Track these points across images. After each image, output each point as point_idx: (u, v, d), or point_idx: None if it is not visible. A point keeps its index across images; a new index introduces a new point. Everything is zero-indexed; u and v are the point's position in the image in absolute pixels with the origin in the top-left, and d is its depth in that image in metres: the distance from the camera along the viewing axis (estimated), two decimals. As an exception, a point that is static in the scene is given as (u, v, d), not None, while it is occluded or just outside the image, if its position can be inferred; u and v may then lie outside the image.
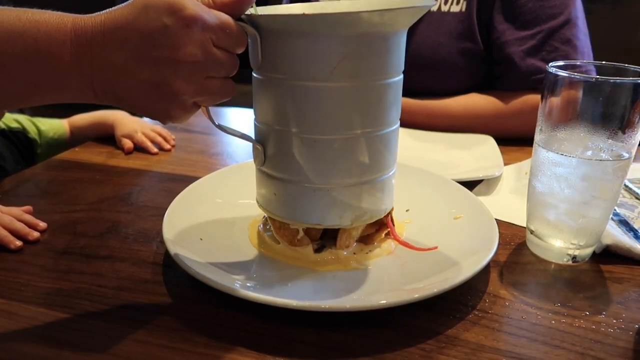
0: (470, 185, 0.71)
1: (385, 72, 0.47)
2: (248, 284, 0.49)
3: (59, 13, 0.41)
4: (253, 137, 0.53)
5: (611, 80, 0.48)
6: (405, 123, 0.95)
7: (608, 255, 0.56)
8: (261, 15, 0.45)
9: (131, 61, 0.40)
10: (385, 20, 0.44)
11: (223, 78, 0.44)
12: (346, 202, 0.50)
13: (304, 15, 0.44)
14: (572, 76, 0.50)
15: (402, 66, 0.49)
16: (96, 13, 0.41)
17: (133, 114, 1.02)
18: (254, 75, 0.49)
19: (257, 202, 0.55)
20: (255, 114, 0.51)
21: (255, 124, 0.52)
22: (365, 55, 0.45)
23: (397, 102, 0.50)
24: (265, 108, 0.49)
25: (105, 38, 0.40)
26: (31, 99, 0.43)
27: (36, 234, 0.60)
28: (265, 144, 0.51)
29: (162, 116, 0.44)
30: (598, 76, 0.49)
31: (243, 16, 0.44)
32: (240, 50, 0.44)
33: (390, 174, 0.52)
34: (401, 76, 0.50)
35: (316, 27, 0.43)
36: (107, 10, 0.41)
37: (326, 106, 0.46)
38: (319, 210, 0.50)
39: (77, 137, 1.03)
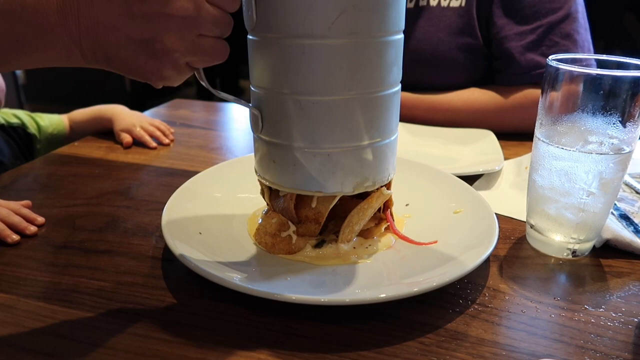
0: (470, 179, 0.71)
1: (385, 29, 0.45)
2: (247, 278, 0.48)
3: None
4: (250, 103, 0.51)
5: (611, 74, 0.48)
6: (405, 117, 0.94)
7: (608, 249, 0.56)
8: None
9: (120, 17, 0.39)
10: None
11: (216, 38, 0.42)
12: (347, 167, 0.48)
13: None
14: (573, 70, 0.50)
15: (402, 25, 0.48)
16: None
17: (128, 108, 1.02)
18: (249, 37, 0.48)
19: (256, 172, 0.54)
20: (251, 78, 0.50)
21: (251, 89, 0.50)
22: (364, 9, 0.43)
23: (398, 62, 0.49)
24: (262, 71, 0.48)
25: None
26: (16, 59, 0.41)
27: (33, 229, 0.60)
28: (263, 109, 0.49)
29: (154, 77, 0.42)
30: (598, 70, 0.49)
31: None
32: (233, 8, 0.42)
33: (393, 138, 0.51)
34: (402, 36, 0.48)
35: None
36: None
37: (324, 65, 0.44)
38: (320, 176, 0.48)
39: (77, 132, 1.02)
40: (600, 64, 0.54)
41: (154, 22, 0.39)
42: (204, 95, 3.92)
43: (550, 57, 0.53)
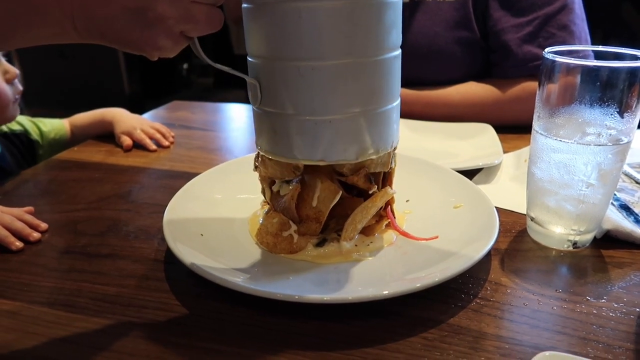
0: (469, 174, 0.71)
1: None
2: (250, 279, 0.49)
3: None
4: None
5: (608, 65, 0.48)
6: (404, 113, 0.94)
7: (609, 240, 0.56)
8: None
9: None
10: None
11: (210, 5, 0.42)
12: (350, 134, 0.48)
13: None
14: (569, 62, 0.50)
15: None
16: None
17: (127, 110, 1.02)
18: (244, 6, 0.47)
19: (257, 146, 0.53)
20: (248, 48, 0.49)
21: (249, 60, 0.49)
22: None
23: (397, 25, 0.48)
24: (258, 39, 0.47)
25: None
26: (11, 37, 0.41)
27: (37, 235, 0.61)
28: (261, 79, 0.48)
29: (149, 47, 0.42)
30: (595, 61, 0.49)
31: None
32: None
33: (395, 104, 0.51)
34: None
35: None
36: None
37: (322, 28, 0.43)
38: (322, 144, 0.48)
39: (78, 136, 1.03)
40: (597, 55, 0.54)
41: None
42: (203, 97, 3.92)
43: (546, 50, 0.53)
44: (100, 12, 0.40)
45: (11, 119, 0.90)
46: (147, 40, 0.41)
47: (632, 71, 0.48)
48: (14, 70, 0.86)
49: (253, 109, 0.51)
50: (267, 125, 0.50)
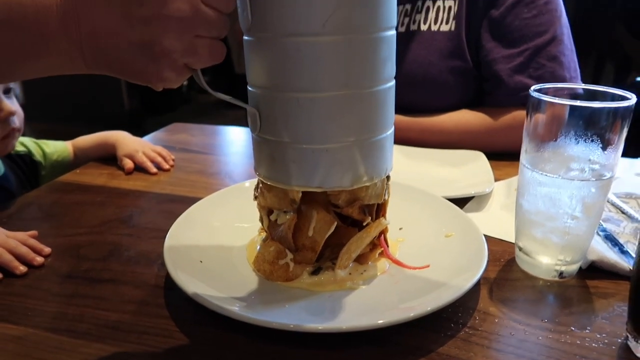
0: (461, 201, 0.73)
1: (378, 25, 0.47)
2: (247, 307, 0.50)
3: None
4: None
5: (590, 106, 0.51)
6: (398, 139, 0.97)
7: (594, 270, 0.58)
8: None
9: (119, 22, 0.40)
10: None
11: (213, 38, 0.44)
12: (345, 162, 0.50)
13: None
14: (554, 101, 0.52)
15: (394, 21, 0.49)
16: None
17: (127, 126, 1.04)
18: (245, 38, 0.49)
19: (256, 172, 0.55)
20: (248, 78, 0.51)
21: (249, 90, 0.51)
22: (357, 5, 0.45)
23: (392, 58, 0.50)
24: (259, 70, 0.49)
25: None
26: (21, 68, 0.43)
27: (40, 259, 0.62)
28: (261, 109, 0.50)
29: (154, 79, 0.43)
30: (577, 102, 0.51)
31: None
32: (228, 9, 0.44)
33: (389, 132, 0.53)
34: (394, 32, 0.50)
35: None
36: None
37: (320, 62, 0.45)
38: (319, 172, 0.49)
39: (81, 159, 1.05)
40: (582, 92, 0.57)
41: (153, 24, 0.40)
42: (202, 113, 3.94)
43: (532, 87, 0.55)
44: (107, 45, 0.41)
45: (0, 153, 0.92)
46: (152, 72, 0.43)
47: (613, 111, 0.50)
48: (8, 108, 0.88)
49: (252, 136, 0.53)
50: (266, 153, 0.52)
